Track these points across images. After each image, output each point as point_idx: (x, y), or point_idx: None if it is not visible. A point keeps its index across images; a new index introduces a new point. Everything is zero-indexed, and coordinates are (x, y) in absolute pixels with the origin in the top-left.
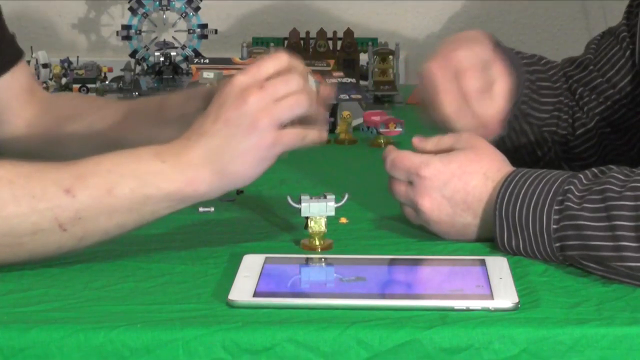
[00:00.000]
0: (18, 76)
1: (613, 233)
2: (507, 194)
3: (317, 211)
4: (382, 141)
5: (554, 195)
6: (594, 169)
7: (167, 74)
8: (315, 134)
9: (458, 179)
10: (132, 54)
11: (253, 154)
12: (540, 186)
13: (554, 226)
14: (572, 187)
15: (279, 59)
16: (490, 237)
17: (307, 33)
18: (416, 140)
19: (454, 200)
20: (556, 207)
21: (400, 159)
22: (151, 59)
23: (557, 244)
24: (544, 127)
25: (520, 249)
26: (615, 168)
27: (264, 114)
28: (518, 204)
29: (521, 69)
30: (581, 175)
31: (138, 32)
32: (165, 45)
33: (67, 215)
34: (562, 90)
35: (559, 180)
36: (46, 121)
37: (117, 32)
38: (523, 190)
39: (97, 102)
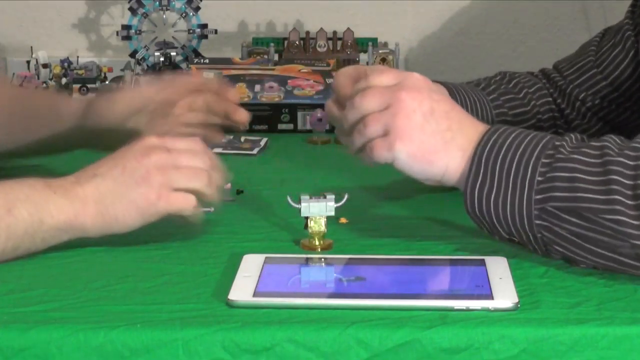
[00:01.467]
0: None
1: (608, 187)
2: (492, 139)
3: (317, 211)
4: None
5: (542, 148)
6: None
7: (167, 74)
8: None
9: (447, 99)
10: (132, 54)
11: (136, 205)
12: (528, 138)
13: (539, 178)
14: (564, 142)
15: (194, 144)
16: (457, 172)
17: (307, 33)
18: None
19: (437, 105)
20: (544, 160)
21: (373, 89)
22: (151, 59)
23: (538, 196)
24: None
25: (490, 198)
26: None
27: (159, 172)
28: (503, 152)
29: (487, 105)
30: (572, 135)
31: (138, 32)
32: (165, 45)
33: None
34: (539, 107)
35: (548, 137)
36: None
37: (117, 32)
38: (509, 140)
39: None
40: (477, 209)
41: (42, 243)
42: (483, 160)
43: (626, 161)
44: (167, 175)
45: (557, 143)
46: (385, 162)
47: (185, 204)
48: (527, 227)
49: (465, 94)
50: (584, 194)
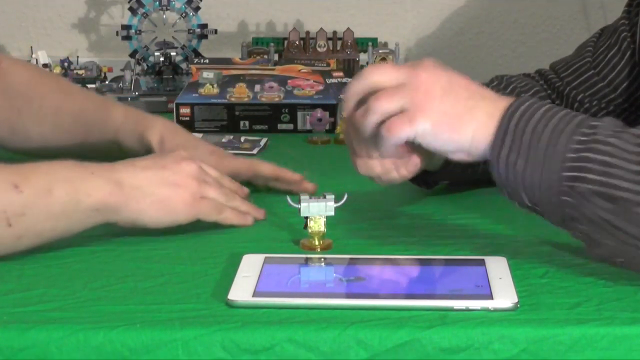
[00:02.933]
0: None
1: None
2: (522, 107)
3: (317, 211)
4: None
5: (577, 125)
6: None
7: (167, 74)
8: (233, 217)
9: (460, 78)
10: (132, 54)
11: (170, 204)
12: (562, 113)
13: (572, 155)
14: (600, 124)
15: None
16: (485, 136)
17: (307, 33)
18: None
19: (455, 79)
20: (579, 138)
21: (387, 67)
22: (151, 59)
23: (568, 173)
24: None
25: (517, 165)
26: None
27: (196, 181)
28: (533, 120)
29: None
30: (610, 118)
31: (138, 32)
32: (165, 45)
33: (14, 210)
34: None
35: (582, 116)
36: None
37: (117, 32)
38: (541, 110)
39: (61, 85)
40: (502, 174)
41: (78, 224)
42: (512, 126)
43: None
44: (201, 186)
45: (594, 123)
46: (406, 139)
47: (215, 211)
48: (552, 200)
49: None
50: (618, 182)
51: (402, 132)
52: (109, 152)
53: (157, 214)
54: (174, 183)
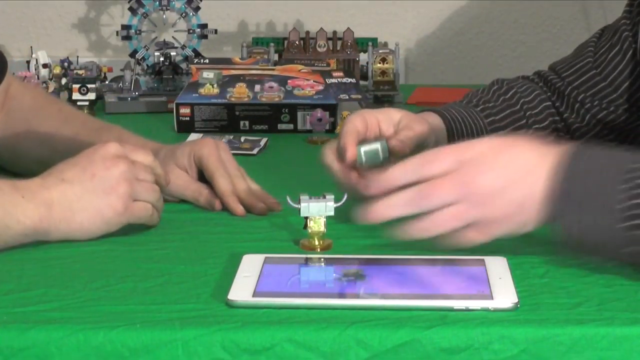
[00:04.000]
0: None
1: None
2: (570, 164)
3: (317, 211)
4: None
5: (617, 172)
6: None
7: (167, 74)
8: (156, 217)
9: (508, 150)
10: (132, 54)
11: (102, 214)
12: (606, 159)
13: (620, 206)
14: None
15: (151, 159)
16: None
17: (307, 33)
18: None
19: (509, 168)
20: (624, 186)
21: (440, 181)
22: (151, 59)
23: (626, 224)
24: None
25: (581, 229)
26: None
27: (127, 183)
28: (585, 176)
29: (482, 124)
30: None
31: (138, 32)
32: (165, 45)
33: None
34: (535, 116)
35: (618, 159)
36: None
37: (117, 32)
38: (590, 162)
39: (63, 111)
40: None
41: (6, 245)
42: (568, 189)
43: None
44: (132, 186)
45: (633, 166)
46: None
47: (145, 213)
48: (620, 252)
49: (461, 122)
50: None
51: (480, 241)
52: None
53: (90, 228)
54: (103, 191)
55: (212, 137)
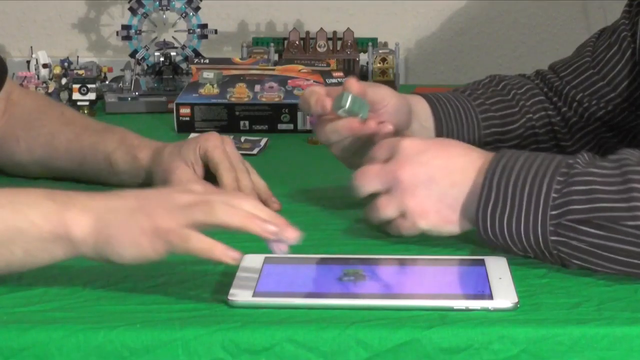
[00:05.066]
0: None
1: (629, 194)
2: (500, 165)
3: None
4: None
5: (556, 167)
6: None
7: (167, 74)
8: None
9: (441, 148)
10: (132, 54)
11: (142, 236)
12: (539, 160)
13: (554, 195)
14: (578, 160)
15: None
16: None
17: (307, 33)
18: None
19: (432, 169)
20: (559, 178)
21: (370, 170)
22: (151, 59)
23: (554, 212)
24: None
25: (503, 220)
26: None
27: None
28: (514, 174)
29: (472, 110)
30: (584, 153)
31: (138, 32)
32: (165, 45)
33: None
34: (529, 107)
35: (559, 157)
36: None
37: (117, 32)
38: (519, 164)
39: (64, 115)
40: (490, 232)
41: (24, 256)
42: (494, 186)
43: None
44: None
45: (571, 161)
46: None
47: (182, 241)
48: (542, 245)
49: (447, 103)
50: (603, 204)
51: (410, 233)
52: (104, 177)
53: (122, 247)
54: (151, 216)
55: None
